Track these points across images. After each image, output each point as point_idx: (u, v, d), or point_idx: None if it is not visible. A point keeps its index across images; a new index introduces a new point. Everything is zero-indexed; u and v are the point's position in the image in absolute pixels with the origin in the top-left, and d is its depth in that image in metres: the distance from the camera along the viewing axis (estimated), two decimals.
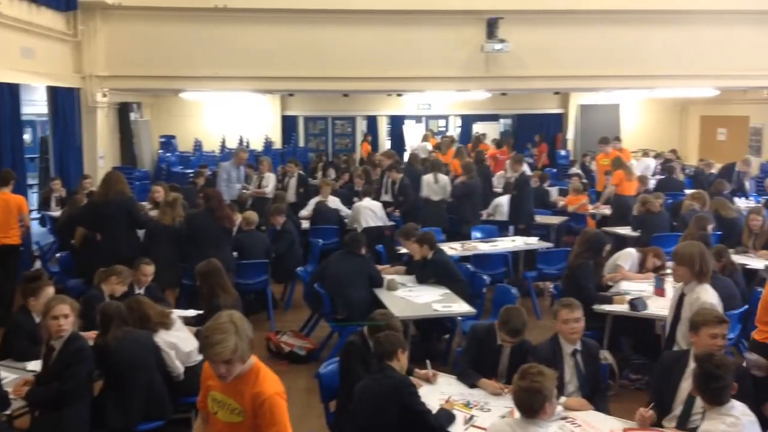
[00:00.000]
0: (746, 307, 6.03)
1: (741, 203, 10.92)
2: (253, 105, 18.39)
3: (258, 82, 13.01)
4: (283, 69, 12.49)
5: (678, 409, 3.87)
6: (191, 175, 13.36)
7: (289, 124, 19.47)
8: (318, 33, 12.57)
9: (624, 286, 6.65)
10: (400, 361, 3.98)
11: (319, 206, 10.09)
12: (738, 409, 3.37)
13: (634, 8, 12.68)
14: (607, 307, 6.09)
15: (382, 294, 6.50)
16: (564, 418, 3.88)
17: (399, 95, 17.51)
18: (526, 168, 11.73)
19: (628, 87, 15.13)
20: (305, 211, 10.34)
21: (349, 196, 11.09)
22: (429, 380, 4.46)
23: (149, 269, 6.15)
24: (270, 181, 11.31)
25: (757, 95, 15.77)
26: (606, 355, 5.85)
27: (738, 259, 7.40)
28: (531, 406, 3.18)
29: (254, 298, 8.17)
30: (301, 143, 20.01)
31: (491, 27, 12.38)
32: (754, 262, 7.57)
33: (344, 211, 10.22)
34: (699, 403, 3.70)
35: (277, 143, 18.81)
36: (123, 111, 14.94)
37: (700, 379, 3.42)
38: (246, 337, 2.84)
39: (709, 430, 3.28)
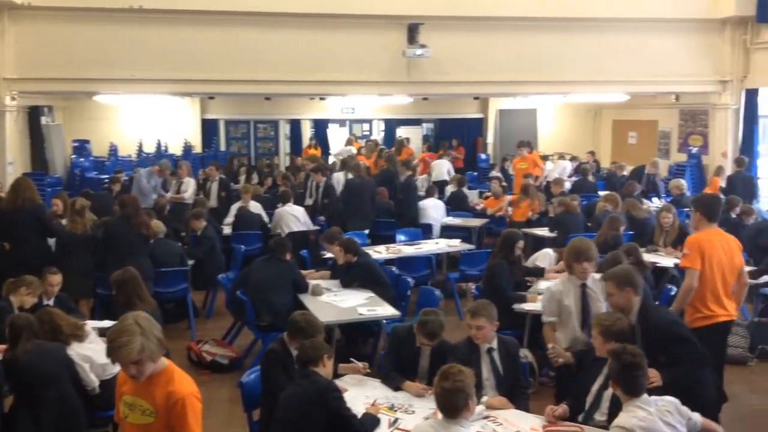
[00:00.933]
0: (656, 304, 6.31)
1: (655, 203, 11.42)
2: (171, 108, 17.92)
3: (176, 85, 12.70)
4: (202, 71, 12.24)
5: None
6: (106, 181, 12.91)
7: (209, 127, 19.10)
8: (239, 35, 12.37)
9: (542, 285, 6.84)
10: (326, 367, 3.97)
11: (242, 211, 9.94)
12: (658, 403, 3.47)
13: (550, 16, 13.06)
14: (526, 306, 6.25)
15: (307, 299, 6.46)
16: (486, 417, 3.94)
17: (322, 99, 17.45)
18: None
19: (543, 92, 15.60)
20: (229, 218, 10.16)
21: (273, 201, 10.98)
22: (359, 371, 4.48)
23: (55, 279, 5.91)
24: (189, 186, 11.06)
25: (665, 100, 16.55)
26: (526, 353, 6.01)
27: (649, 257, 7.73)
28: (454, 405, 3.23)
29: (174, 307, 7.97)
30: (223, 147, 19.66)
31: (412, 32, 12.50)
32: (664, 260, 7.92)
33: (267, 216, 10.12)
34: (606, 398, 3.83)
35: (197, 147, 18.41)
36: (33, 115, 14.26)
37: (619, 371, 3.51)
38: (153, 337, 2.85)
39: (622, 423, 3.37)
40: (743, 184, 11.30)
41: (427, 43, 12.43)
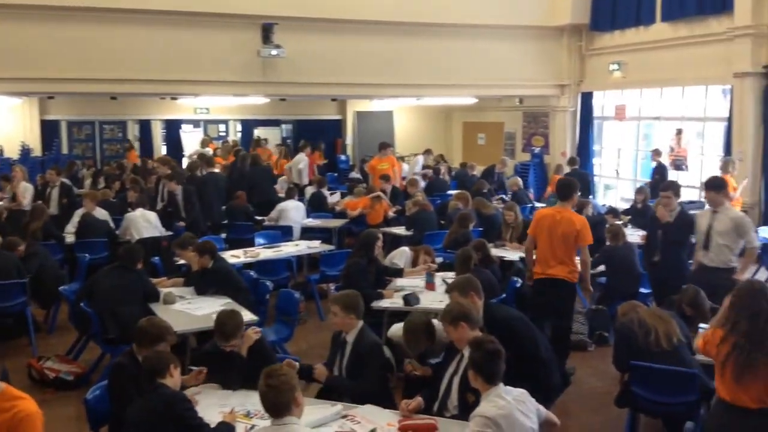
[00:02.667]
0: (503, 295, 6.66)
1: (503, 200, 12.00)
2: (6, 108, 16.56)
3: (9, 84, 11.76)
4: (40, 70, 11.41)
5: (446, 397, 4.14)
6: None
7: (49, 129, 17.82)
8: (82, 31, 11.68)
9: (399, 282, 7.00)
10: (174, 377, 3.82)
11: (86, 218, 9.34)
12: (513, 393, 3.60)
13: (403, 20, 13.42)
14: (383, 303, 6.35)
15: (159, 309, 6.18)
16: (344, 417, 3.97)
17: (174, 99, 16.83)
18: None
19: (397, 95, 16.01)
20: (71, 225, 9.52)
21: (121, 206, 10.43)
22: (199, 378, 4.36)
23: None
24: (27, 191, 10.25)
25: (510, 103, 17.53)
26: (384, 351, 6.12)
27: (496, 252, 8.13)
28: (280, 402, 3.22)
29: (13, 322, 7.36)
30: (65, 150, 18.41)
31: (266, 32, 12.37)
32: (510, 254, 8.36)
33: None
34: (455, 387, 3.98)
35: (37, 150, 17.12)
36: None
37: (479, 361, 3.62)
38: None
39: (482, 412, 3.47)
40: (579, 181, 12.13)
41: (283, 44, 12.35)
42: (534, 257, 6.40)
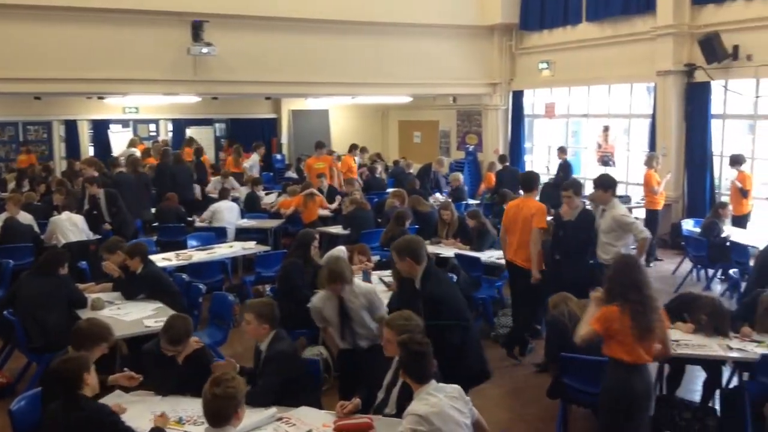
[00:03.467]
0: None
1: (439, 198, 12.13)
2: None
3: None
4: None
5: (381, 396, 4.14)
6: None
7: None
8: (2, 29, 11.20)
9: None
10: (90, 384, 3.68)
11: (9, 222, 8.95)
12: (446, 390, 3.62)
13: (336, 18, 13.38)
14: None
15: (86, 315, 5.97)
16: (279, 419, 3.93)
17: (101, 98, 16.30)
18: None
19: (332, 94, 15.96)
20: None
21: (47, 210, 10.04)
22: (130, 381, 4.24)
23: None
24: None
25: (444, 102, 17.72)
26: (321, 350, 6.10)
27: (432, 249, 8.20)
28: (223, 413, 3.16)
29: None
30: None
31: (196, 30, 12.13)
32: (445, 251, 8.45)
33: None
34: (395, 393, 3.99)
35: None
36: None
37: (408, 360, 3.64)
38: None
39: (414, 410, 3.49)
40: (510, 178, 12.38)
41: (214, 42, 12.15)
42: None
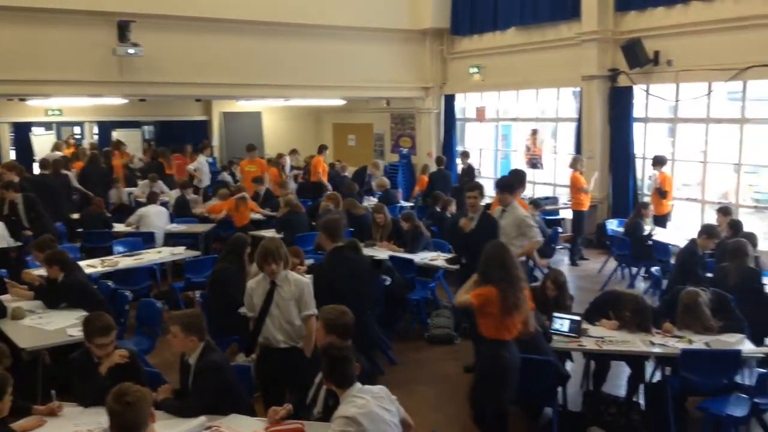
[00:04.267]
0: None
1: (372, 201, 12.16)
2: None
3: None
4: None
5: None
6: None
7: None
8: None
9: None
10: (3, 401, 3.54)
11: None
12: (372, 391, 3.63)
13: (268, 20, 13.25)
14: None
15: (6, 325, 5.73)
16: (209, 428, 3.85)
17: (22, 100, 15.67)
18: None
19: (264, 96, 15.81)
20: None
21: None
22: (53, 413, 4.05)
23: None
24: None
25: (378, 105, 17.78)
26: (253, 357, 6.00)
27: (367, 251, 8.20)
28: (141, 419, 3.08)
29: None
30: None
31: (123, 30, 11.80)
32: (380, 253, 8.47)
33: None
34: (323, 391, 3.97)
35: None
36: None
37: (330, 366, 3.64)
38: None
39: (342, 413, 3.49)
40: (443, 180, 12.53)
41: (141, 42, 11.85)
42: None
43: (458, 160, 16.10)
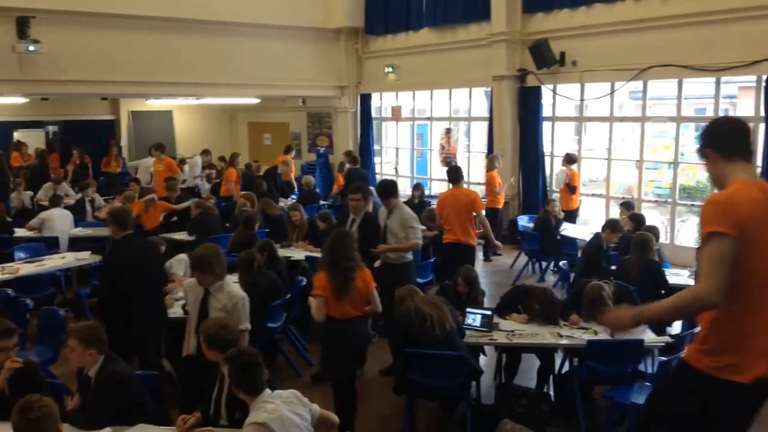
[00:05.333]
0: (288, 296, 6.66)
1: (289, 201, 12.03)
2: None
3: None
4: None
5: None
6: None
7: None
8: None
9: (181, 291, 6.68)
10: None
11: None
12: (282, 396, 3.58)
13: (178, 17, 12.90)
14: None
15: None
16: None
17: None
18: None
19: (175, 94, 15.39)
20: None
21: None
22: None
23: None
24: None
25: (294, 104, 17.63)
26: (164, 363, 5.84)
27: (283, 252, 8.11)
28: None
29: None
30: None
31: (22, 26, 11.23)
32: (296, 254, 8.39)
33: None
34: (224, 401, 3.90)
35: None
36: None
37: (239, 374, 3.56)
38: None
39: (254, 419, 3.42)
40: (359, 178, 12.51)
41: (42, 39, 11.32)
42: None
43: (372, 160, 16.17)
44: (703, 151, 3.00)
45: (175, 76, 13.26)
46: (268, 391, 3.57)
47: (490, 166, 11.39)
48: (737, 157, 2.93)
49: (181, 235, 9.79)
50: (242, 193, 11.43)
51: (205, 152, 15.04)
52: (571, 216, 10.88)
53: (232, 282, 5.13)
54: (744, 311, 2.82)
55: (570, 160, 10.98)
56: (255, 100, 16.84)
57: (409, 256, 6.88)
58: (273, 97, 16.64)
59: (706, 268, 2.75)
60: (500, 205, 11.44)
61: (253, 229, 8.50)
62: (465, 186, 8.79)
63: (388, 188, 7.05)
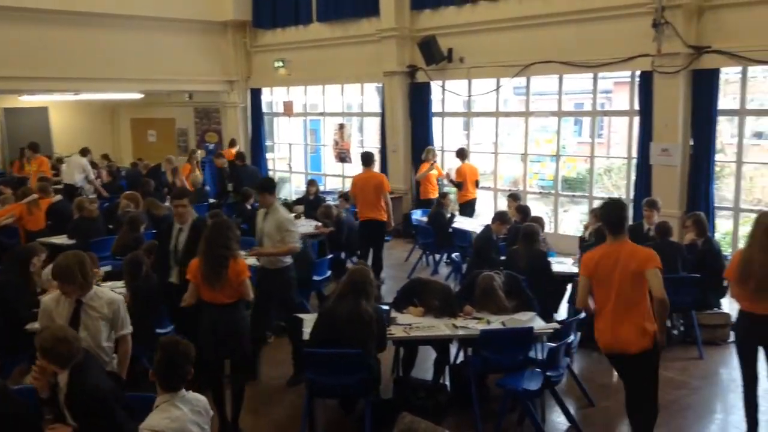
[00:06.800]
0: None
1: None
2: None
3: None
4: None
5: None
6: None
7: None
8: None
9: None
10: None
11: None
12: (191, 403, 3.42)
13: (54, 8, 12.17)
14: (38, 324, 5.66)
15: None
16: None
17: None
18: None
19: (51, 90, 14.53)
20: None
21: None
22: None
23: None
24: None
25: (180, 99, 17.05)
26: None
27: (253, 252, 7.72)
28: None
29: None
30: None
31: None
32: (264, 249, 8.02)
33: None
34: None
35: None
36: None
37: (165, 363, 3.38)
38: None
39: (152, 425, 3.26)
40: (250, 177, 12.24)
41: None
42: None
43: (264, 156, 15.93)
44: None
45: (51, 71, 12.52)
46: (183, 391, 3.41)
47: (425, 159, 11.37)
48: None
49: (62, 239, 9.24)
50: (125, 193, 10.92)
51: (84, 151, 14.27)
52: (465, 209, 10.99)
53: (106, 288, 4.86)
54: None
55: (461, 154, 11.14)
56: (138, 96, 16.15)
57: (288, 260, 6.40)
58: (157, 91, 16.04)
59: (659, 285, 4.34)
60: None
61: (139, 230, 8.13)
62: (376, 170, 9.74)
63: (265, 184, 6.61)
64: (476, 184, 11.14)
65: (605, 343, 4.57)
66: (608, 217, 4.64)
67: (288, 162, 15.96)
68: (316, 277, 8.02)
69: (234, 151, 13.81)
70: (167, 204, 10.56)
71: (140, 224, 8.22)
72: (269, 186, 6.61)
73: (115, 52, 13.23)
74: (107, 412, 3.64)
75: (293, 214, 10.38)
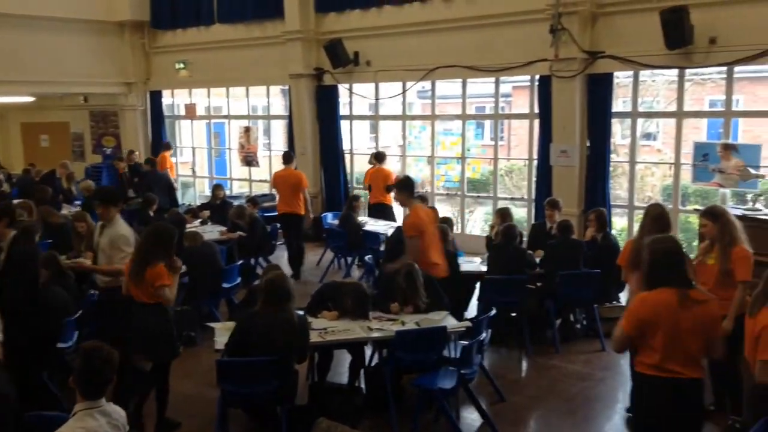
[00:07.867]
0: (80, 312, 6.11)
1: (69, 208, 11.06)
2: None
3: None
4: None
5: None
6: None
7: None
8: None
9: None
10: None
11: None
12: (110, 415, 3.24)
13: None
14: None
15: None
16: None
17: None
18: None
19: None
20: None
21: None
22: None
23: None
24: None
25: (74, 102, 16.28)
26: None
27: (68, 263, 7.41)
28: None
29: None
30: None
31: None
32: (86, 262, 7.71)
33: None
34: None
35: None
36: None
37: (81, 371, 3.19)
38: None
39: None
40: (156, 182, 11.81)
41: None
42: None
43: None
44: None
45: None
46: (103, 401, 3.23)
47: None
48: None
49: None
50: (17, 201, 10.31)
51: None
52: (377, 211, 10.86)
53: None
54: None
55: (378, 157, 10.91)
56: (29, 99, 15.29)
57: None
58: (49, 94, 15.25)
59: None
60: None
61: (33, 240, 7.66)
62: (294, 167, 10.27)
63: (107, 196, 5.96)
64: (387, 189, 11.09)
65: None
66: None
67: (191, 166, 15.54)
68: (225, 285, 7.84)
69: (135, 158, 13.27)
70: (63, 212, 10.08)
71: (35, 234, 7.75)
72: (112, 198, 6.00)
73: (3, 53, 12.49)
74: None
75: (199, 220, 10.20)
